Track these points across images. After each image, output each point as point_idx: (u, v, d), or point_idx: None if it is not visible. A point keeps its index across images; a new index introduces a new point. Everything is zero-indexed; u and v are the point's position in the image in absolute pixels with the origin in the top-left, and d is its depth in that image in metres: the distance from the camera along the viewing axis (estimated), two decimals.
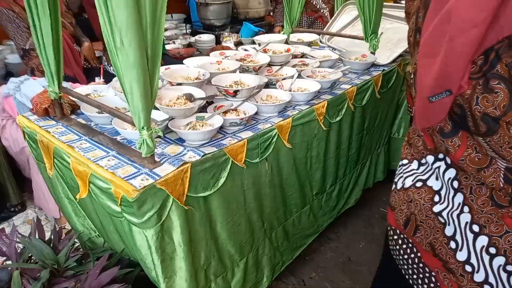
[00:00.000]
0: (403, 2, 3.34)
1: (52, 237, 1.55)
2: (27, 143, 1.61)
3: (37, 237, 1.53)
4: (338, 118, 1.88)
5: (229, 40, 3.85)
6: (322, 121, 1.77)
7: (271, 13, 4.64)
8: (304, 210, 1.93)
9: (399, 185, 1.12)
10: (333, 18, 2.75)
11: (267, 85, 1.88)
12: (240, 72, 1.88)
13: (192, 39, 3.84)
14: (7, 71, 2.97)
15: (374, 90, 2.08)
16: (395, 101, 2.39)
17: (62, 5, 2.69)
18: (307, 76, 1.93)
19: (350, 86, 1.93)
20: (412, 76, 1.02)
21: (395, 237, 1.14)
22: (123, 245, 1.45)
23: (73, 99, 1.58)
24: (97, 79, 2.06)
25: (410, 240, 1.08)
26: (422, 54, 0.85)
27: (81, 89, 1.71)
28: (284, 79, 1.88)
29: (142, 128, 1.17)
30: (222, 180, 1.39)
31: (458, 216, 0.94)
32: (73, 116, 1.61)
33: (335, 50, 2.45)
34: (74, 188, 1.42)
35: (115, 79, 1.81)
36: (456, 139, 0.89)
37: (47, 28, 1.35)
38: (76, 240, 1.53)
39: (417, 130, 1.10)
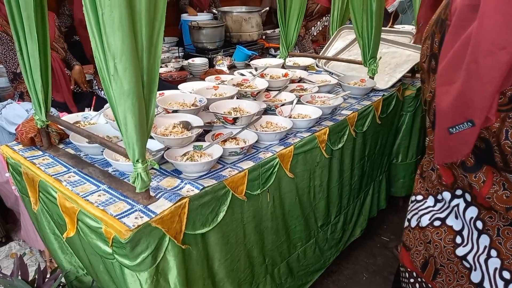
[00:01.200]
0: (397, 26, 3.36)
1: (36, 277, 1.42)
2: (10, 174, 1.50)
3: (19, 277, 1.40)
4: (340, 145, 1.81)
5: (222, 63, 3.81)
6: (324, 148, 1.70)
7: (263, 37, 4.65)
8: (309, 244, 1.83)
9: (413, 223, 1.04)
10: (328, 42, 2.73)
11: (266, 110, 1.81)
12: (237, 98, 1.81)
13: (185, 62, 3.80)
14: None
15: (375, 116, 2.02)
16: (395, 126, 2.34)
17: (54, 30, 2.63)
18: (307, 102, 1.87)
19: (351, 111, 1.88)
20: (427, 105, 0.96)
21: (411, 280, 1.05)
22: (114, 286, 1.33)
23: (62, 127, 1.48)
24: (87, 109, 1.98)
25: (430, 286, 0.99)
26: (441, 82, 0.78)
27: (71, 116, 1.62)
28: (283, 104, 1.82)
29: (137, 161, 1.08)
30: (221, 215, 1.30)
31: (485, 261, 0.85)
32: (61, 146, 1.51)
33: (332, 74, 2.41)
34: (61, 224, 1.31)
35: (107, 105, 1.72)
36: (480, 174, 0.81)
37: (35, 53, 1.26)
38: (62, 280, 1.40)
39: (431, 162, 1.03)
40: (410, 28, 3.22)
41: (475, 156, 0.82)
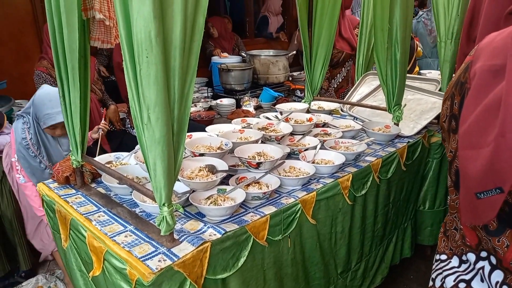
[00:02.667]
0: (424, 72, 3.38)
1: None
2: (44, 211, 1.58)
3: None
4: (363, 192, 1.80)
5: (249, 104, 3.92)
6: (347, 194, 1.70)
7: (290, 78, 4.77)
8: None
9: (437, 283, 1.01)
10: (353, 87, 2.78)
11: (289, 154, 1.85)
12: (262, 142, 1.86)
13: (213, 102, 3.92)
14: None
15: (400, 162, 2.02)
16: (420, 173, 2.31)
17: (94, 73, 2.82)
18: (330, 147, 1.89)
19: (375, 158, 1.88)
20: (448, 165, 0.97)
21: None
22: None
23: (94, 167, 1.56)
24: (103, 121, 2.09)
25: None
26: (464, 145, 0.80)
27: (103, 157, 1.71)
28: (306, 149, 1.85)
29: (163, 204, 1.12)
30: (242, 260, 1.31)
31: None
32: (93, 185, 1.59)
33: (356, 119, 2.44)
34: (87, 263, 1.35)
35: (138, 147, 1.81)
36: (503, 238, 0.80)
37: (76, 100, 1.37)
38: None
39: (454, 222, 1.02)
40: (437, 74, 3.24)
41: (498, 219, 0.82)
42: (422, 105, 2.38)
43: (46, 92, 2.05)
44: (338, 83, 3.83)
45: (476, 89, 0.78)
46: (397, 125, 2.17)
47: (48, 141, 2.11)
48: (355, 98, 2.71)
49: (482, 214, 0.76)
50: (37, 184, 2.00)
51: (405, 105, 2.17)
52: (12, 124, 2.64)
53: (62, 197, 1.47)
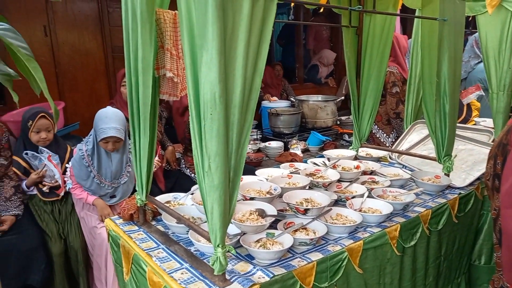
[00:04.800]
0: (478, 120, 3.31)
1: None
2: (109, 245, 1.73)
3: None
4: (412, 243, 1.79)
5: (296, 147, 4.01)
6: (395, 245, 1.70)
7: (338, 123, 4.83)
8: None
9: None
10: (402, 135, 2.80)
11: (336, 201, 1.89)
12: (309, 187, 1.93)
13: (262, 145, 4.05)
14: None
15: (451, 214, 1.98)
16: (474, 225, 2.23)
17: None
18: (378, 196, 1.91)
19: (425, 209, 1.87)
20: (493, 222, 0.99)
21: None
22: None
23: (156, 206, 1.71)
24: (156, 157, 2.30)
25: None
26: (506, 204, 0.83)
27: (163, 197, 1.86)
28: (353, 197, 1.88)
29: (218, 246, 1.22)
30: None
31: None
32: (153, 223, 1.73)
33: (405, 168, 2.44)
34: None
35: (194, 187, 1.95)
36: None
37: (145, 146, 1.55)
38: None
39: (501, 279, 1.02)
40: (491, 122, 3.16)
41: None
42: (475, 156, 2.34)
43: (105, 110, 2.35)
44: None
45: None
46: (448, 175, 2.15)
47: (101, 154, 2.35)
48: (404, 146, 2.72)
49: None
50: (85, 188, 2.33)
51: (456, 155, 2.15)
52: None
53: (126, 232, 1.62)
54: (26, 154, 2.47)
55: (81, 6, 3.93)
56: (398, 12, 2.44)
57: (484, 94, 3.50)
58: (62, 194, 2.52)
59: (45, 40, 3.75)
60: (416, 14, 2.40)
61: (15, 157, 2.50)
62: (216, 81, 1.07)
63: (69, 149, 2.69)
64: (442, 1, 1.87)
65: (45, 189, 2.51)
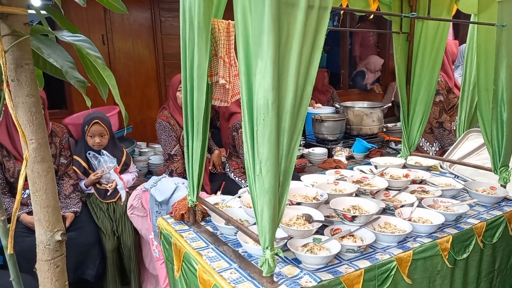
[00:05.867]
0: None
1: None
2: (161, 243, 1.82)
3: None
4: (464, 255, 1.73)
5: (341, 154, 3.97)
6: (447, 257, 1.65)
7: (384, 130, 4.72)
8: None
9: None
10: (455, 144, 2.70)
11: (384, 210, 1.87)
12: (356, 195, 1.92)
13: (306, 151, 4.04)
14: (148, 170, 3.49)
15: (507, 227, 1.89)
16: None
17: None
18: (428, 206, 1.86)
19: (479, 221, 1.80)
20: None
21: None
22: None
23: (206, 207, 1.78)
24: (218, 193, 2.31)
25: None
26: None
27: (212, 198, 1.93)
28: (402, 206, 1.85)
29: (266, 248, 1.25)
30: None
31: None
32: (202, 223, 1.80)
33: (457, 177, 2.35)
34: None
35: (241, 191, 2.01)
36: None
37: (198, 149, 1.62)
38: None
39: None
40: None
41: None
42: None
43: None
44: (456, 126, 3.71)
45: None
46: (504, 187, 2.05)
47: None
48: (456, 155, 2.62)
49: None
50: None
51: None
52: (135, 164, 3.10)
53: (178, 231, 1.70)
54: (89, 154, 2.66)
55: (136, 15, 4.16)
56: (452, 17, 2.36)
57: None
58: (123, 195, 2.68)
59: (103, 48, 4.01)
60: (472, 19, 2.32)
61: (76, 157, 2.69)
62: (269, 88, 1.11)
63: (125, 152, 2.85)
64: (501, 6, 1.80)
65: (108, 192, 2.68)
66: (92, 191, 2.71)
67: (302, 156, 4.01)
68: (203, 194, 2.22)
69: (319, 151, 3.96)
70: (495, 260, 1.90)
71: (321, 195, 1.83)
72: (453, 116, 3.56)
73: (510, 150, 2.01)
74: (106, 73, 0.92)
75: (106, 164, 2.65)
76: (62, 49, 1.09)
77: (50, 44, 1.08)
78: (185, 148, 1.68)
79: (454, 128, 3.62)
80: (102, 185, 2.70)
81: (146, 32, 4.25)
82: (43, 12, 1.28)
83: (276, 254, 1.47)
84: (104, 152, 2.69)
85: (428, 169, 2.48)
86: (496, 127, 1.97)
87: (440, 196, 1.97)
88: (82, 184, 2.71)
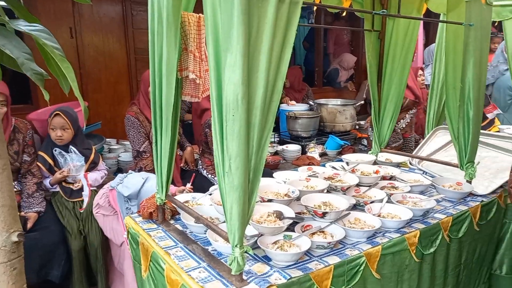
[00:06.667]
0: (502, 127, 3.24)
1: None
2: (128, 242, 1.77)
3: None
4: (431, 250, 1.76)
5: (314, 151, 3.99)
6: (414, 251, 1.68)
7: (356, 127, 4.79)
8: None
9: None
10: (423, 141, 2.76)
11: (354, 205, 1.88)
12: (328, 191, 1.92)
13: (280, 148, 4.04)
14: (118, 167, 3.40)
15: (472, 222, 1.94)
16: (496, 234, 2.18)
17: None
18: (397, 201, 1.89)
19: (445, 216, 1.84)
20: None
21: None
22: None
23: (175, 205, 1.74)
24: (188, 185, 2.27)
25: None
26: None
27: (182, 196, 1.89)
28: (372, 202, 1.87)
29: (236, 245, 1.23)
30: None
31: None
32: (172, 221, 1.75)
33: (426, 174, 2.40)
34: None
35: (212, 188, 1.98)
36: None
37: (166, 146, 1.57)
38: None
39: None
40: None
41: None
42: (498, 163, 2.29)
43: None
44: (401, 128, 3.80)
45: None
46: (470, 182, 2.11)
47: None
48: (424, 152, 2.68)
49: None
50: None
51: (479, 162, 2.11)
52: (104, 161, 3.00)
53: (145, 230, 1.65)
54: (55, 150, 2.55)
55: (106, 9, 4.03)
56: (423, 16, 2.41)
57: (501, 112, 3.43)
58: (86, 201, 2.58)
59: (71, 41, 3.87)
60: (441, 18, 2.37)
61: (41, 153, 2.58)
62: (239, 83, 1.08)
63: (93, 149, 2.76)
64: (468, 6, 1.85)
65: (74, 187, 2.58)
66: (58, 189, 2.61)
67: (276, 153, 4.01)
68: (172, 187, 2.18)
69: (293, 148, 3.97)
70: (461, 254, 1.95)
71: (292, 191, 1.82)
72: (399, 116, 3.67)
73: (476, 146, 2.06)
74: (64, 64, 0.87)
75: (73, 162, 2.55)
76: (19, 40, 1.03)
77: (6, 34, 1.02)
78: (153, 145, 1.64)
79: (403, 126, 3.75)
80: (69, 184, 2.59)
81: (117, 26, 4.13)
82: (1, 3, 1.20)
83: (246, 252, 1.45)
84: (72, 149, 2.58)
85: (398, 165, 2.52)
86: (463, 125, 2.02)
87: (409, 192, 2.01)
88: (47, 182, 2.59)
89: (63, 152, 2.57)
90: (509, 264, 2.26)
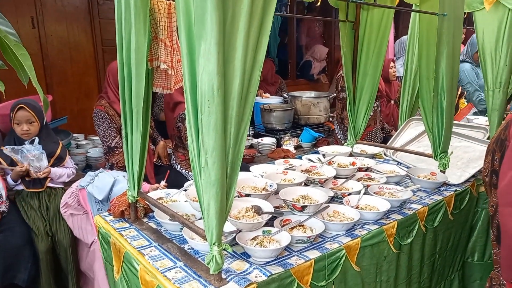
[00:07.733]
0: (471, 117, 3.32)
1: None
2: (99, 242, 1.68)
3: None
4: (409, 240, 1.77)
5: (289, 143, 3.98)
6: (392, 242, 1.68)
7: (330, 119, 4.82)
8: None
9: None
10: (397, 132, 2.78)
11: (332, 198, 1.86)
12: (305, 184, 1.89)
13: (255, 141, 4.00)
14: (87, 163, 3.25)
15: (447, 211, 1.97)
16: (469, 223, 2.23)
17: None
18: (374, 193, 1.89)
19: (421, 206, 1.86)
20: (490, 219, 0.96)
21: None
22: None
23: (147, 203, 1.66)
24: (162, 182, 2.19)
25: None
26: (503, 202, 0.81)
27: (155, 193, 1.81)
28: (350, 194, 1.86)
29: (214, 243, 1.18)
30: None
31: None
32: (145, 220, 1.68)
33: (400, 164, 2.42)
34: None
35: (187, 184, 1.90)
36: None
37: (138, 141, 1.49)
38: None
39: (498, 277, 1.00)
40: (484, 120, 3.17)
41: None
42: (470, 153, 2.34)
43: None
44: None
45: None
46: (444, 172, 2.14)
47: None
48: (398, 143, 2.70)
49: None
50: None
51: (452, 152, 2.14)
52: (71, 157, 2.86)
53: (117, 230, 1.57)
54: (7, 148, 2.38)
55: None
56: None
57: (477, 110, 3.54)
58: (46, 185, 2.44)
59: (33, 32, 3.66)
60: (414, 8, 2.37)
61: (2, 148, 2.42)
62: (214, 72, 1.02)
63: (60, 144, 2.61)
64: None
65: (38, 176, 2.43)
66: (22, 187, 2.46)
67: (251, 146, 3.97)
68: (145, 185, 2.09)
69: (268, 141, 3.94)
70: (436, 243, 1.98)
71: (270, 185, 1.78)
72: None
73: (449, 137, 2.09)
74: (20, 51, 0.78)
75: (30, 152, 2.39)
76: None
77: None
78: (123, 140, 1.55)
79: None
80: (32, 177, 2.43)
81: (82, 16, 3.94)
82: None
83: (224, 250, 1.40)
84: (25, 142, 2.42)
85: (373, 156, 2.53)
86: (436, 115, 2.03)
87: (385, 183, 2.01)
88: (9, 178, 2.43)
89: (15, 147, 2.40)
90: (479, 252, 2.32)
